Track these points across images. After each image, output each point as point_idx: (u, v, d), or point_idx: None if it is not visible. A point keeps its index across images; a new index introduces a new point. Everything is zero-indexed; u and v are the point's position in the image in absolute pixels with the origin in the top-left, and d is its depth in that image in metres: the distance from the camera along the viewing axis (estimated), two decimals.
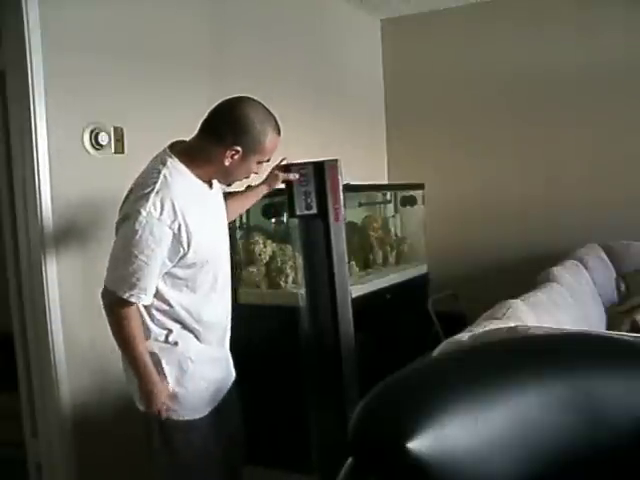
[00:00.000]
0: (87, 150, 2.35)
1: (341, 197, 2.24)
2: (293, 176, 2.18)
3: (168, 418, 1.75)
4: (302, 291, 2.64)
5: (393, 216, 3.86)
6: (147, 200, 1.60)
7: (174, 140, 1.77)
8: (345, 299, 2.39)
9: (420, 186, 3.74)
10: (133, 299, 1.63)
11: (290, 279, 2.81)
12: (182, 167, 1.70)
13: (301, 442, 2.54)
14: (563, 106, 3.86)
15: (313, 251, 2.34)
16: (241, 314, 2.60)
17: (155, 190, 1.62)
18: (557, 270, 3.01)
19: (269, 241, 2.86)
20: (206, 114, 1.73)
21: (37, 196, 2.19)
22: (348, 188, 3.22)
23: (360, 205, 3.54)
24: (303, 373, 2.50)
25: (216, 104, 1.73)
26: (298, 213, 2.25)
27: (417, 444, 0.98)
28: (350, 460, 1.09)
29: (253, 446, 2.55)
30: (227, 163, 1.70)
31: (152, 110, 2.55)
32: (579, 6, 3.77)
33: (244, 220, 2.97)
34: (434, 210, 3.90)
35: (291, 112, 3.42)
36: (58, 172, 2.25)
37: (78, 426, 2.32)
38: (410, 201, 3.79)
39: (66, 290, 2.27)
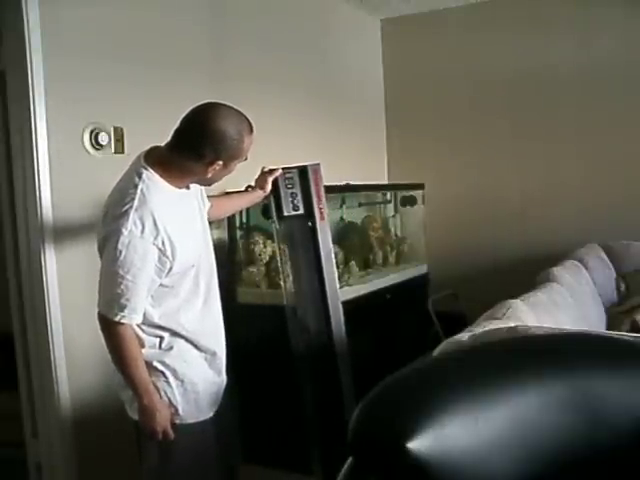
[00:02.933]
0: (87, 150, 2.35)
1: (324, 197, 2.39)
2: (277, 171, 2.26)
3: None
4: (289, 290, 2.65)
5: (393, 216, 3.86)
6: (127, 218, 1.58)
7: (151, 146, 1.75)
8: (335, 295, 2.42)
9: (420, 186, 3.75)
10: (125, 320, 1.63)
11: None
12: (158, 178, 1.67)
13: (301, 442, 2.54)
14: (563, 106, 3.86)
15: (301, 250, 2.44)
16: (241, 314, 2.61)
17: (134, 207, 1.60)
18: (557, 270, 3.00)
19: (269, 241, 2.86)
20: (178, 124, 1.68)
21: (37, 196, 2.19)
22: (348, 188, 3.25)
23: (360, 205, 3.54)
24: (302, 372, 2.50)
25: (186, 115, 1.68)
26: (285, 214, 2.35)
27: (417, 444, 0.98)
28: (350, 460, 1.09)
29: (253, 446, 2.56)
30: (210, 175, 1.71)
31: (152, 110, 2.55)
32: (579, 6, 3.77)
33: (244, 220, 2.97)
34: (434, 210, 3.90)
35: (291, 113, 3.42)
36: (58, 172, 2.25)
37: (78, 426, 2.31)
38: (410, 201, 3.79)
39: (66, 290, 2.27)
